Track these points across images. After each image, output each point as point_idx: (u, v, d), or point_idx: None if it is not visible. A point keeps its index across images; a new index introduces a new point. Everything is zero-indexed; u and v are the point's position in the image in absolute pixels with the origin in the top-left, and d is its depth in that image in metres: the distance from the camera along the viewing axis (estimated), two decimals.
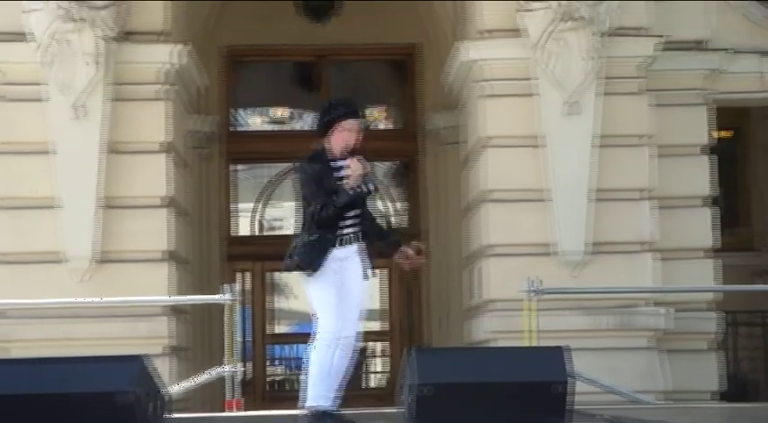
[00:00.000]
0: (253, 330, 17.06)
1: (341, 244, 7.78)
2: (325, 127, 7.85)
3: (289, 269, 7.95)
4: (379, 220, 8.15)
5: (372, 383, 18.13)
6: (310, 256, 7.74)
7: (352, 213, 7.80)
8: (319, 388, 7.72)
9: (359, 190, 7.71)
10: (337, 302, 7.79)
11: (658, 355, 12.54)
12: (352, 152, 7.78)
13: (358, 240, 7.87)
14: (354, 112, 7.89)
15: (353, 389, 18.07)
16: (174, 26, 13.24)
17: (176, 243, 12.99)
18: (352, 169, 7.66)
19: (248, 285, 17.23)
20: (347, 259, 7.83)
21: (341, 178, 7.73)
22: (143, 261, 12.69)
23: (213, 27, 16.62)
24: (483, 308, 13.04)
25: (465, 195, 14.12)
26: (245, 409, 11.02)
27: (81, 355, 7.06)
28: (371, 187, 7.82)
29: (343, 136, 7.78)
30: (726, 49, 13.46)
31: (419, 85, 17.24)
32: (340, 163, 7.76)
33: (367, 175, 7.77)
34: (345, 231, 7.80)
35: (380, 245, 8.04)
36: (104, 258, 12.61)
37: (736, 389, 15.40)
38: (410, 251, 8.02)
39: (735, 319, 16.56)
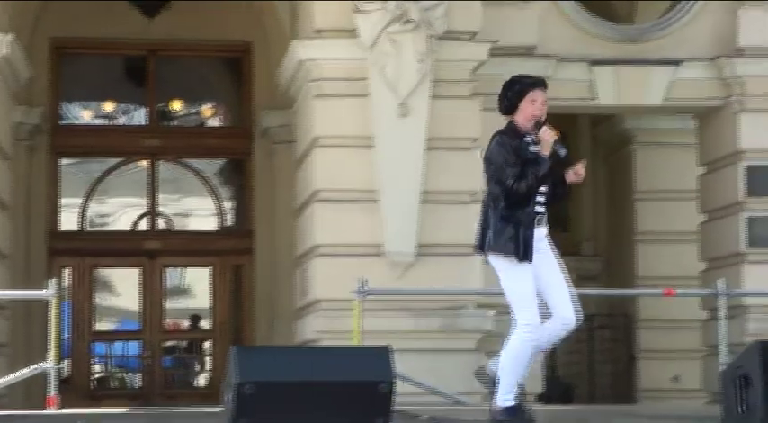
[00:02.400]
0: (73, 327, 16.76)
1: (538, 224, 7.49)
2: (510, 103, 7.60)
3: (492, 252, 7.51)
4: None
5: (198, 382, 17.99)
6: (514, 241, 7.41)
7: (543, 190, 7.51)
8: (511, 379, 7.44)
9: (559, 151, 7.43)
10: (537, 289, 7.47)
11: (482, 358, 12.66)
12: (538, 125, 7.49)
13: (547, 223, 7.60)
14: (537, 83, 7.62)
15: (181, 387, 18.00)
16: None
17: None
18: (543, 136, 7.41)
19: (73, 281, 16.92)
20: (542, 240, 7.53)
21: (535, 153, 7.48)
22: None
23: (42, 18, 16.28)
24: (311, 308, 13.03)
25: (298, 195, 14.09)
26: (63, 407, 10.78)
27: None
28: (563, 152, 7.49)
29: (529, 109, 7.49)
30: (553, 56, 13.70)
31: (253, 83, 17.15)
32: (531, 138, 7.51)
33: (557, 142, 7.47)
34: (539, 209, 7.49)
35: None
36: None
37: (557, 391, 15.70)
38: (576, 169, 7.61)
39: None
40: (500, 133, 7.58)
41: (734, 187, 14.03)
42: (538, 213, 7.49)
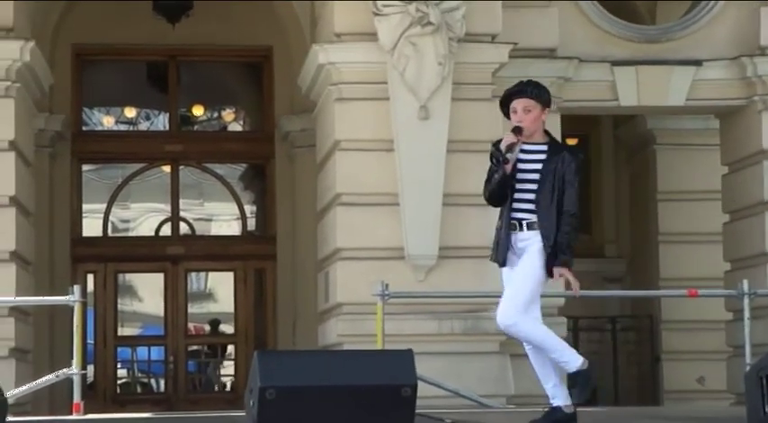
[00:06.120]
0: (95, 332, 16.80)
1: (515, 229, 7.34)
2: (506, 117, 7.55)
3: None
4: (566, 233, 7.32)
5: (221, 387, 18.01)
6: (493, 244, 7.45)
7: (522, 196, 7.35)
8: (564, 355, 7.35)
9: (504, 155, 7.26)
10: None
11: (505, 360, 12.65)
12: (518, 130, 7.36)
13: (534, 228, 7.32)
14: (513, 94, 7.51)
15: (204, 392, 18.05)
16: (20, 22, 12.96)
17: (20, 243, 12.71)
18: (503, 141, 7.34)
19: (96, 287, 16.96)
20: (523, 245, 7.36)
21: (525, 160, 7.37)
22: None
23: (62, 24, 16.34)
24: (333, 311, 13.03)
25: (319, 199, 14.11)
26: (88, 412, 10.81)
27: None
28: (503, 157, 7.29)
29: (513, 118, 7.44)
30: (574, 58, 13.66)
31: (274, 87, 17.17)
32: (527, 146, 7.40)
33: (509, 147, 7.28)
34: (515, 215, 7.35)
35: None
36: None
37: None
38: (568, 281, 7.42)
39: (582, 324, 16.88)
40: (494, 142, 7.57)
41: (758, 187, 13.95)
42: (513, 219, 7.37)
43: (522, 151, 7.38)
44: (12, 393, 10.27)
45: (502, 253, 7.39)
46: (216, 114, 18.41)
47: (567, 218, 7.34)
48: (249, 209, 17.80)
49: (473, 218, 12.70)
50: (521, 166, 7.36)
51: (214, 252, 17.28)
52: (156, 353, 17.52)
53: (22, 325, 12.77)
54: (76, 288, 10.88)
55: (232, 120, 18.43)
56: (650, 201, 16.99)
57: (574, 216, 7.35)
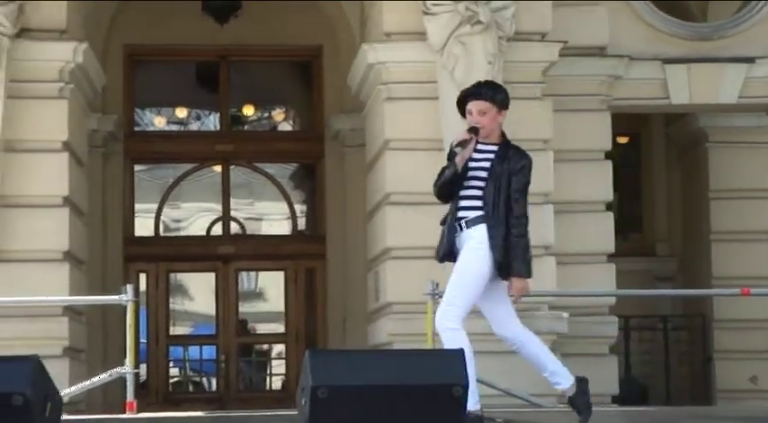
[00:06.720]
0: (147, 331, 16.92)
1: (461, 228, 7.53)
2: (462, 115, 7.64)
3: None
4: (515, 236, 7.59)
5: (272, 386, 18.08)
6: (439, 242, 7.61)
7: (468, 193, 7.52)
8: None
9: (455, 149, 7.39)
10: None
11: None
12: (474, 130, 7.46)
13: (474, 224, 7.50)
14: (468, 96, 7.60)
15: (256, 391, 18.09)
16: (73, 24, 13.08)
17: (73, 243, 12.82)
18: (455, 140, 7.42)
19: (148, 286, 17.08)
20: (463, 243, 7.54)
21: (476, 159, 7.49)
22: (40, 261, 12.51)
23: (114, 25, 16.47)
24: (384, 311, 13.05)
25: (369, 198, 14.13)
26: (139, 411, 10.89)
27: None
28: (457, 150, 7.38)
29: (469, 119, 7.55)
30: (625, 56, 13.61)
31: (324, 87, 17.21)
32: (483, 146, 7.54)
33: (459, 143, 7.39)
34: (459, 214, 7.53)
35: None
36: (1, 258, 12.40)
37: (632, 392, 15.60)
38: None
39: (633, 323, 16.81)
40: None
41: None
42: (458, 218, 7.51)
43: (475, 150, 7.49)
44: (66, 392, 10.36)
45: (442, 248, 7.62)
46: (266, 114, 18.48)
47: (515, 221, 7.54)
48: (299, 208, 17.86)
49: None
50: (471, 164, 7.48)
51: (265, 251, 17.35)
52: (208, 352, 17.61)
53: (75, 324, 12.88)
54: (129, 287, 10.96)
55: (282, 119, 18.49)
56: (702, 199, 16.90)
57: (524, 219, 7.60)
